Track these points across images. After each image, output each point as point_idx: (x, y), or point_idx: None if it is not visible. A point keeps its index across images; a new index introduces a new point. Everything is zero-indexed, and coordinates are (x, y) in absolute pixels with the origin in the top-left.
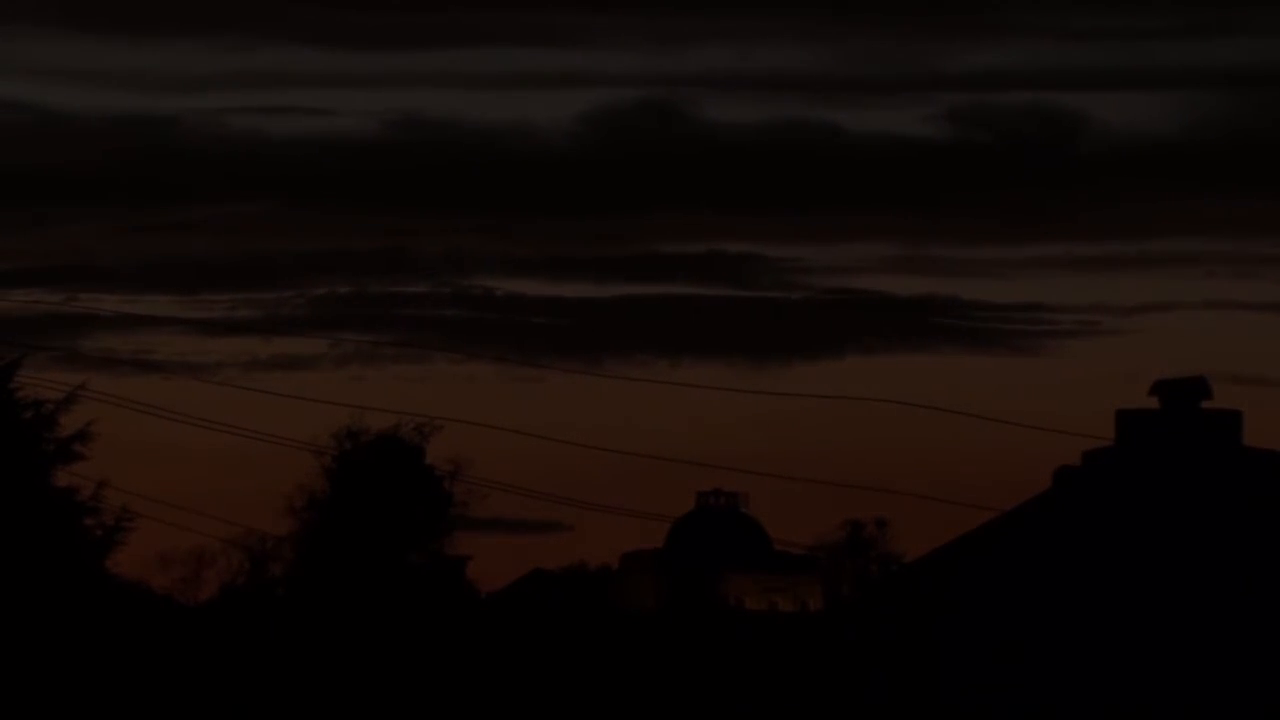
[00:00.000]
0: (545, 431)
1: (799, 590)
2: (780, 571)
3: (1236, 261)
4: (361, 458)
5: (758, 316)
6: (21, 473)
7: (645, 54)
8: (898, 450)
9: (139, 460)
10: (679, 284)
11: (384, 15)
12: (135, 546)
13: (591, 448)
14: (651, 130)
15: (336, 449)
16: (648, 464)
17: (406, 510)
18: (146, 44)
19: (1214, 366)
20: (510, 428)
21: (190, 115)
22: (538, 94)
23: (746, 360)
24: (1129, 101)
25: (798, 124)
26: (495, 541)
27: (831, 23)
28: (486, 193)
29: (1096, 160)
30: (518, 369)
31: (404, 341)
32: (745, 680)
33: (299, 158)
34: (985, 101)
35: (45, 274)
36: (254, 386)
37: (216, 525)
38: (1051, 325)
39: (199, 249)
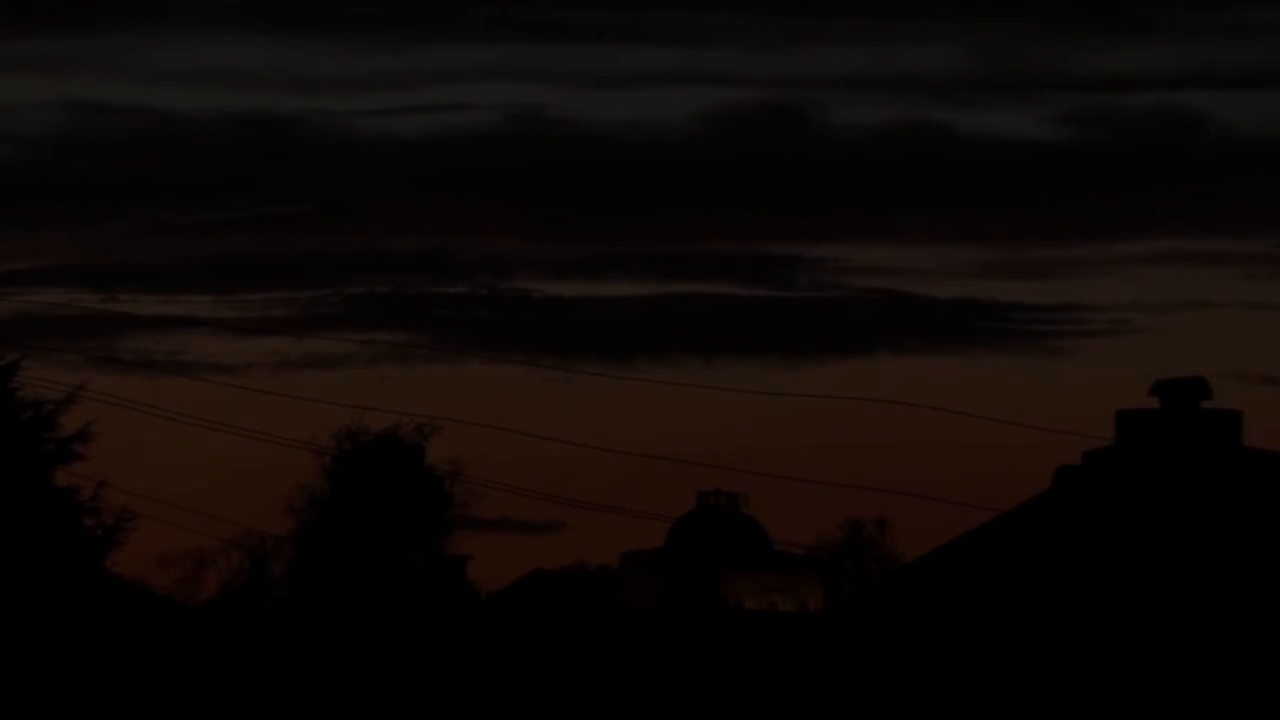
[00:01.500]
0: (567, 433)
1: (799, 590)
2: (780, 571)
3: None
4: (361, 458)
5: (836, 318)
6: (21, 473)
7: (766, 54)
8: (898, 450)
9: (139, 460)
10: (750, 285)
11: (523, 11)
12: (135, 546)
13: (591, 448)
14: (766, 131)
15: (336, 449)
16: (648, 464)
17: (406, 510)
18: (266, 43)
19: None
20: (510, 428)
21: (314, 115)
22: (657, 92)
23: (780, 360)
24: (1254, 101)
25: (913, 126)
26: (495, 541)
27: (959, 23)
28: (584, 191)
29: (1214, 161)
30: (547, 370)
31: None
32: (745, 680)
33: (422, 155)
34: (1108, 103)
35: (147, 275)
36: (251, 386)
37: (216, 525)
38: (1085, 325)
39: (308, 246)
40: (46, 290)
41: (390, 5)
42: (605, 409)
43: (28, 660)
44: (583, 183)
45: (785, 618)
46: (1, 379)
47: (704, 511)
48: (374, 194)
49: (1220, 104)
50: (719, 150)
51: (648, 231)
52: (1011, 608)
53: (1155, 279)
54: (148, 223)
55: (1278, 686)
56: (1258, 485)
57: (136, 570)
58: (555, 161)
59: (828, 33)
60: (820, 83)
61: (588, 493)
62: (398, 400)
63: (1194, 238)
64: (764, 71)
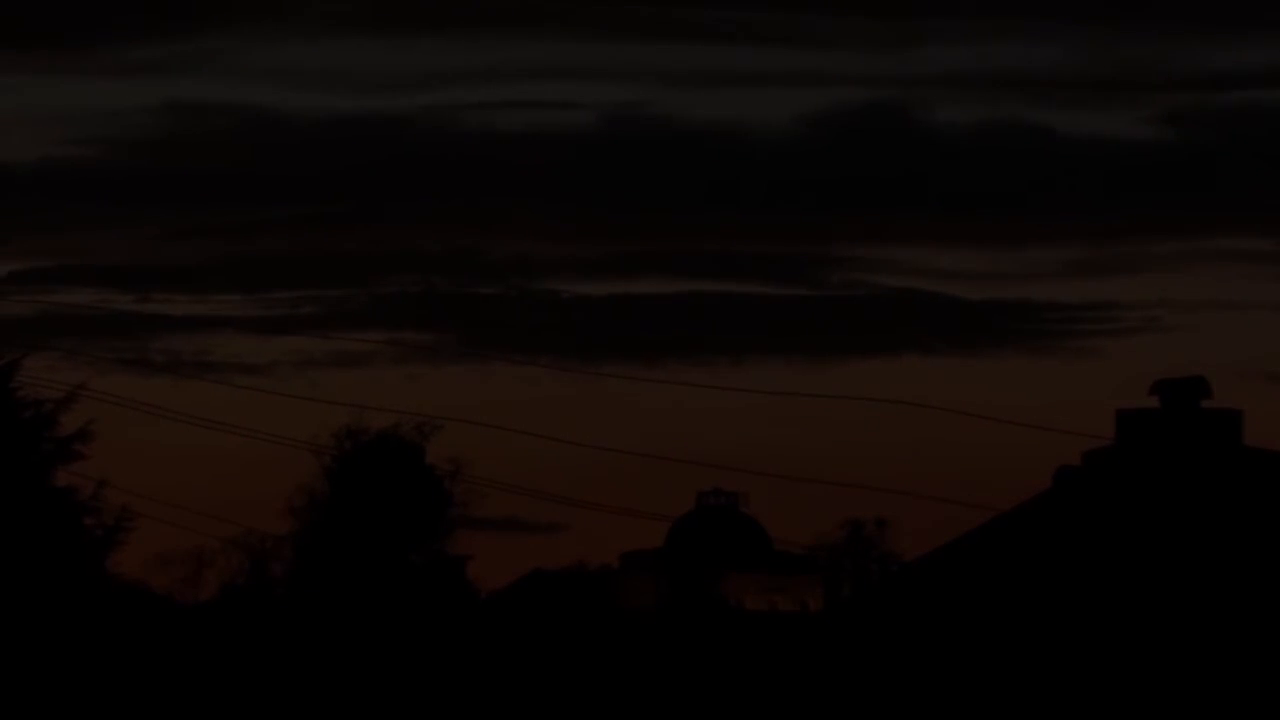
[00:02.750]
0: (567, 433)
1: (799, 590)
2: (780, 571)
3: None
4: (361, 458)
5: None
6: (21, 472)
7: (870, 54)
8: (898, 450)
9: (139, 460)
10: (789, 285)
11: (634, 8)
12: (135, 546)
13: (591, 447)
14: (867, 129)
15: (336, 449)
16: (648, 464)
17: (406, 510)
18: (375, 43)
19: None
20: (511, 428)
21: (421, 113)
22: (759, 91)
23: (806, 359)
24: None
25: (1012, 126)
26: (495, 541)
27: (1061, 22)
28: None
29: None
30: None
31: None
32: (745, 680)
33: (522, 153)
34: (1208, 102)
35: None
36: (251, 386)
37: (216, 525)
38: (1116, 324)
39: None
40: (82, 290)
41: (493, 3)
42: (607, 409)
43: (28, 660)
44: (669, 181)
45: (785, 618)
46: (2, 379)
47: (704, 511)
48: (470, 191)
49: None
50: (816, 149)
51: (728, 230)
52: (1011, 608)
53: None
54: (236, 222)
55: (1278, 686)
56: (1258, 485)
57: (136, 570)
58: (646, 160)
59: (930, 32)
60: (922, 81)
61: (588, 493)
62: (408, 400)
63: None
64: (868, 71)
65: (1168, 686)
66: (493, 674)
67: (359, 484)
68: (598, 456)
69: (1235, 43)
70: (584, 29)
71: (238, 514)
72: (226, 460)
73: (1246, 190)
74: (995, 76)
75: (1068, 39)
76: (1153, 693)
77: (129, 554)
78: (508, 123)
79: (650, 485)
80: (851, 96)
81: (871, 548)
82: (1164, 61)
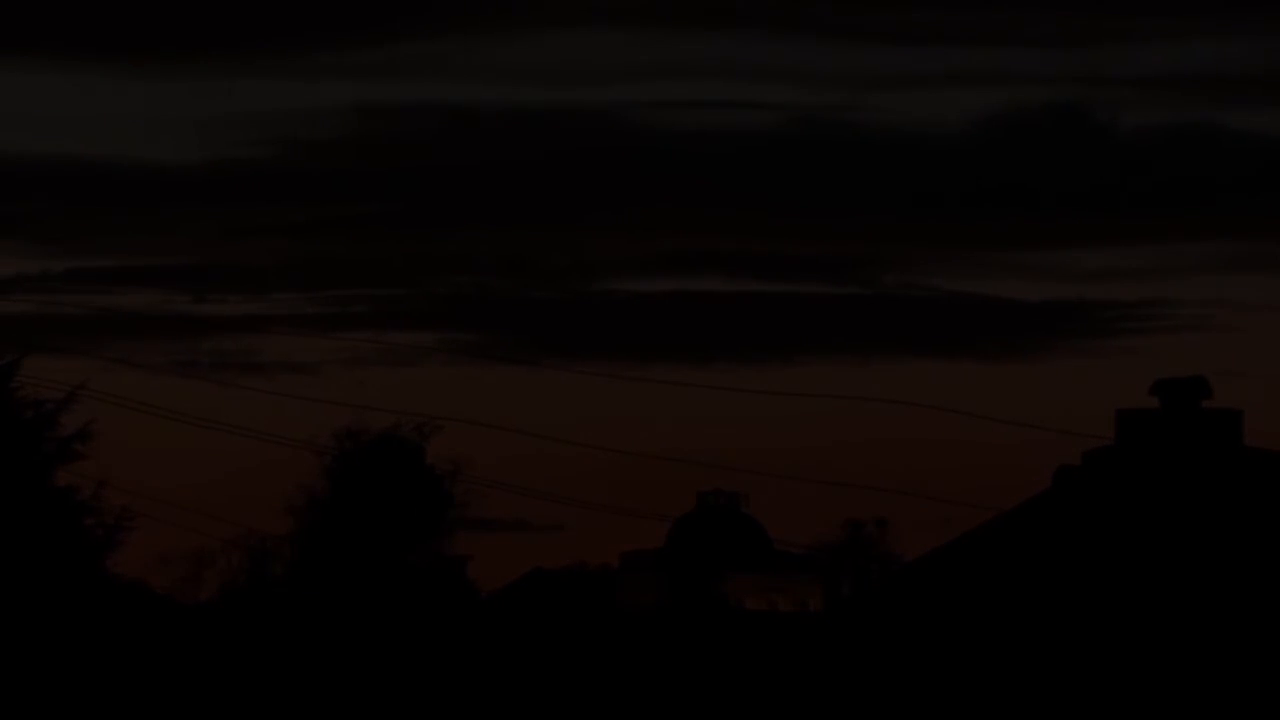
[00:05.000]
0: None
1: (799, 590)
2: (780, 571)
3: None
4: (361, 458)
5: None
6: (22, 472)
7: (1057, 52)
8: (898, 450)
9: (139, 460)
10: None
11: (813, 9)
12: (135, 546)
13: (592, 447)
14: (1050, 130)
15: (336, 449)
16: (648, 464)
17: (406, 510)
18: (548, 38)
19: None
20: (511, 428)
21: (592, 111)
22: (941, 92)
23: (856, 360)
24: None
25: (1198, 126)
26: (495, 541)
27: (1246, 21)
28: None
29: None
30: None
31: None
32: (745, 680)
33: (696, 153)
34: None
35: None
36: (253, 386)
37: (216, 525)
38: (1167, 321)
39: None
40: (142, 291)
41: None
42: (605, 410)
43: (28, 660)
44: (839, 183)
45: (785, 618)
46: (2, 379)
47: (704, 511)
48: (634, 189)
49: None
50: (994, 150)
51: (873, 233)
52: (1011, 608)
53: None
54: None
55: (1278, 686)
56: (1258, 485)
57: (136, 570)
58: (822, 162)
59: (1116, 31)
60: (1108, 81)
61: (588, 493)
62: (419, 400)
63: None
64: (1053, 70)
65: (1168, 686)
66: (493, 674)
67: (359, 484)
68: (598, 456)
69: None
70: (778, 27)
71: (238, 514)
72: (226, 460)
73: None
74: (1181, 77)
75: (1259, 39)
76: (1153, 692)
77: (129, 554)
78: (689, 121)
79: (650, 485)
80: (1035, 96)
81: (871, 548)
82: None
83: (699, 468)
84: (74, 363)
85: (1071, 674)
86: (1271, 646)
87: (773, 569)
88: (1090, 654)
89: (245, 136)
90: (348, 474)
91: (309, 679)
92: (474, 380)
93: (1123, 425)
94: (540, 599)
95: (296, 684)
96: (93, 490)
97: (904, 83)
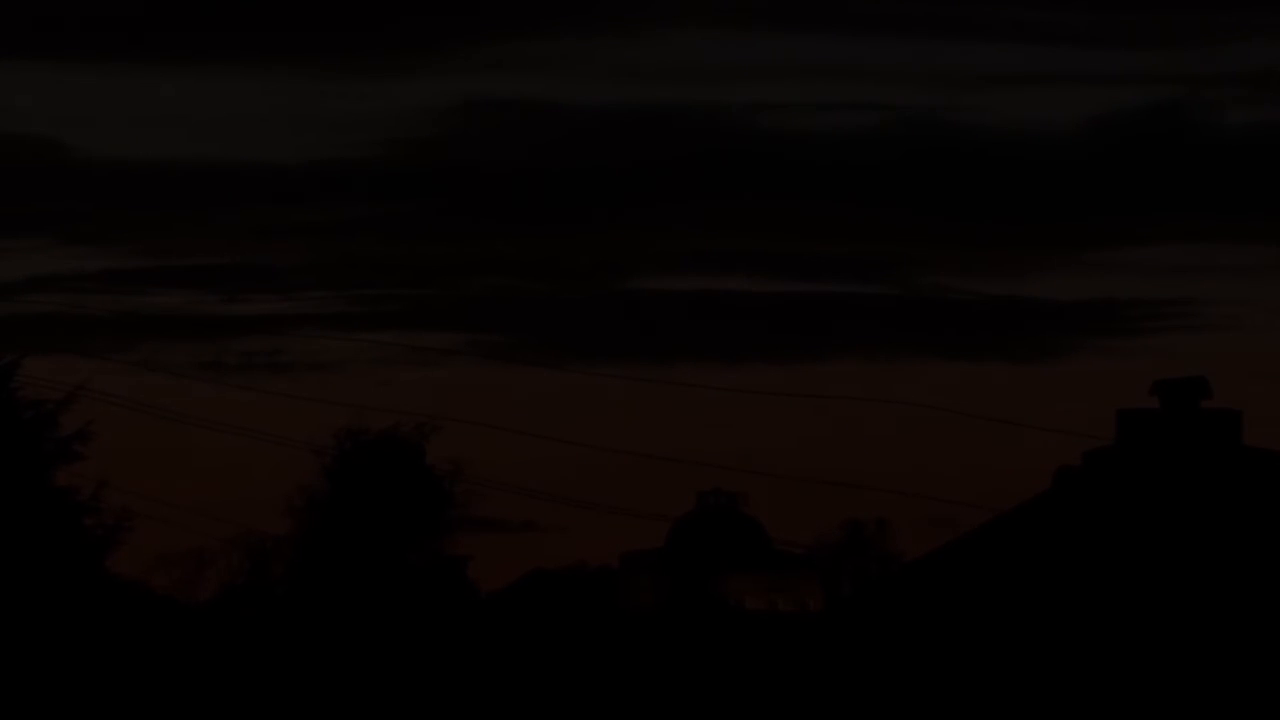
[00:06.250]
0: (567, 433)
1: (799, 590)
2: (780, 571)
3: None
4: (361, 458)
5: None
6: (21, 473)
7: (1157, 52)
8: (898, 450)
9: (139, 460)
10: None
11: (930, 7)
12: (135, 546)
13: (592, 447)
14: (1149, 131)
15: (336, 449)
16: (648, 464)
17: (406, 510)
18: (625, 37)
19: None
20: (511, 428)
21: (684, 110)
22: (1046, 92)
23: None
24: None
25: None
26: (495, 541)
27: None
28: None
29: None
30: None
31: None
32: (746, 680)
33: (789, 154)
34: None
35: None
36: (253, 386)
37: (216, 525)
38: (1183, 321)
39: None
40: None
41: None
42: (606, 409)
43: (28, 660)
44: (941, 185)
45: (785, 618)
46: (2, 379)
47: (704, 511)
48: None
49: None
50: (1095, 152)
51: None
52: (1011, 608)
53: None
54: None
55: (1278, 686)
56: (1258, 485)
57: (136, 570)
58: (934, 162)
59: (1221, 29)
60: (1209, 81)
61: (588, 493)
62: (429, 401)
63: None
64: (1155, 70)
65: (1168, 686)
66: (494, 674)
67: (359, 484)
68: (598, 456)
69: None
70: (881, 25)
71: (238, 514)
72: (226, 460)
73: None
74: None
75: None
76: (1153, 692)
77: (129, 554)
78: (800, 123)
79: (650, 485)
80: (1136, 96)
81: (871, 548)
82: None
83: (699, 468)
84: (90, 365)
85: (1072, 674)
86: (1272, 646)
87: (773, 569)
88: (1090, 654)
89: (333, 139)
90: (348, 474)
91: (309, 679)
92: (479, 381)
93: (1123, 425)
94: (540, 599)
95: (297, 684)
96: (92, 490)
97: (1013, 81)
